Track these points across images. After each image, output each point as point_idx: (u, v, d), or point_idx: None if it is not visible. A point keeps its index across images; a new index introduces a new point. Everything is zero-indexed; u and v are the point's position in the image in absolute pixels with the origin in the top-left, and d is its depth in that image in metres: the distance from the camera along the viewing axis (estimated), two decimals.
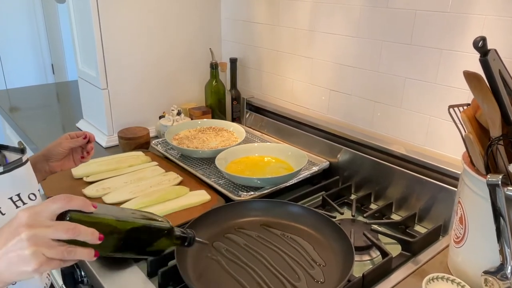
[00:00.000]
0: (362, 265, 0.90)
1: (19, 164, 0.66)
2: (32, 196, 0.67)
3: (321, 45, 1.29)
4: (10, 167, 0.64)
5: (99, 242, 0.56)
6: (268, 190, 1.09)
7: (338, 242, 0.87)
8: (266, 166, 1.22)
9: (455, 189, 0.96)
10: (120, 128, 1.44)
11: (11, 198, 0.63)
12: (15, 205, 0.64)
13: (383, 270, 0.84)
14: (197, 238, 0.72)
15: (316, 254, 0.87)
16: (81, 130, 1.58)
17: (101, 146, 1.46)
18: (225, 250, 0.88)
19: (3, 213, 0.62)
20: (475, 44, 0.66)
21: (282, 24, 1.39)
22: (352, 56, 1.20)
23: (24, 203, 0.65)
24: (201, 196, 1.07)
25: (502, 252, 0.70)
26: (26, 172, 0.67)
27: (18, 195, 0.64)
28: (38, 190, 0.71)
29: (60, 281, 1.23)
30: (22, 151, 0.70)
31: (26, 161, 0.68)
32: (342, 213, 1.04)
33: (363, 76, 1.19)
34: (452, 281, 0.78)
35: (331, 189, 1.14)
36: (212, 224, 0.94)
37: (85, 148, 0.95)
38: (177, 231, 0.70)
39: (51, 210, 0.54)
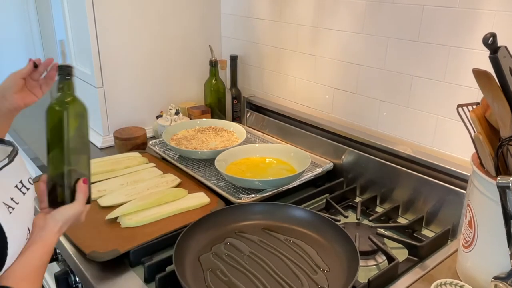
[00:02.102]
0: (367, 270, 0.90)
1: (16, 152, 0.69)
2: (30, 180, 0.70)
3: (325, 42, 1.29)
4: (12, 157, 0.66)
5: None
6: (270, 193, 1.09)
7: (343, 247, 0.87)
8: (267, 168, 1.22)
9: (464, 192, 0.96)
10: (116, 128, 1.44)
11: (16, 186, 0.66)
12: (21, 192, 0.66)
13: (389, 276, 0.84)
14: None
15: (320, 259, 0.87)
16: None
17: (96, 146, 1.46)
18: (225, 255, 0.88)
19: (17, 202, 0.64)
20: (485, 41, 0.66)
21: (285, 20, 1.39)
22: (357, 53, 1.20)
23: (27, 189, 0.67)
24: (200, 199, 1.08)
25: None
26: (20, 159, 0.70)
27: (21, 181, 0.67)
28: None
29: (53, 286, 1.23)
30: (1, 141, 0.72)
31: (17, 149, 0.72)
32: (346, 217, 1.04)
33: (368, 74, 1.19)
34: (461, 287, 0.78)
35: (335, 192, 1.14)
36: (212, 228, 0.94)
37: (35, 76, 0.86)
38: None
39: None
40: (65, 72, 0.75)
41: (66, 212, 0.72)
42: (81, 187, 0.75)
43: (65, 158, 0.73)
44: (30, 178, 0.70)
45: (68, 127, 0.72)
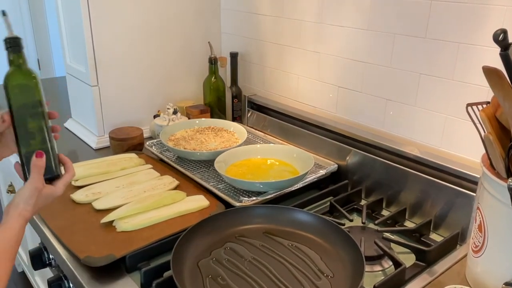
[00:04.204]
0: (373, 276, 0.90)
1: None
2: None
3: (329, 39, 1.29)
4: None
5: None
6: (272, 195, 1.09)
7: (347, 252, 0.87)
8: (269, 169, 1.22)
9: (474, 194, 0.96)
10: (111, 128, 1.44)
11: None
12: None
13: (396, 282, 0.84)
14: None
15: (324, 264, 0.87)
16: (70, 131, 1.60)
17: (91, 147, 1.46)
18: (226, 260, 0.88)
19: None
20: (495, 37, 0.66)
21: (287, 15, 1.39)
22: (363, 51, 1.20)
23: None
24: (199, 202, 1.08)
25: None
26: None
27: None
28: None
29: None
30: None
31: None
32: (351, 220, 1.04)
33: (374, 72, 1.19)
34: None
35: (340, 194, 1.14)
36: (211, 232, 0.94)
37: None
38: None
39: None
40: (13, 44, 0.75)
41: (22, 192, 0.73)
42: (33, 162, 0.74)
43: (17, 136, 0.74)
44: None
45: (10, 98, 0.73)
